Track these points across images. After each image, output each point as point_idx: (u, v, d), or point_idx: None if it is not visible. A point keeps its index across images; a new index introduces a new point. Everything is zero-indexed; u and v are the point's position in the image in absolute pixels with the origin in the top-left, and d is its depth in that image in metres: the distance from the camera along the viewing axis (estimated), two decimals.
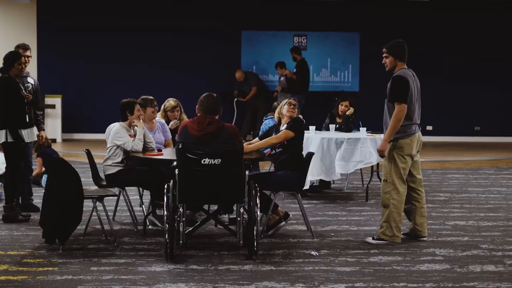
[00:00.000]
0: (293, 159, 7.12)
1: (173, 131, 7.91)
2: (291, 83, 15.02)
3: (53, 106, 15.18)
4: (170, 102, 8.28)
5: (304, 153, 7.39)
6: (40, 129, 8.19)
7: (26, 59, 8.00)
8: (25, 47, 8.25)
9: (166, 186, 6.16)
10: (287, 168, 7.07)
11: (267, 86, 16.00)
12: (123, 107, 7.23)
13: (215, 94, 6.44)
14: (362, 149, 9.02)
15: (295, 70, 15.12)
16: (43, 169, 9.54)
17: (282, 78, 15.26)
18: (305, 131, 9.47)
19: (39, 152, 9.65)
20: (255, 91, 15.44)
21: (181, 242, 6.35)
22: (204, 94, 6.43)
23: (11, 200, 7.57)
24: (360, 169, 9.75)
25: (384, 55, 6.74)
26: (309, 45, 16.26)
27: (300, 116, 7.61)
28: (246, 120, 15.50)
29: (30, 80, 8.21)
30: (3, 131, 7.46)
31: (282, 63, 15.17)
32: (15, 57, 7.55)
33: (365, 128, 9.34)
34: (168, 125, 8.09)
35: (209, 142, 6.12)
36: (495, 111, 16.47)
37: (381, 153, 6.64)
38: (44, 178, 9.08)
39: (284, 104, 7.45)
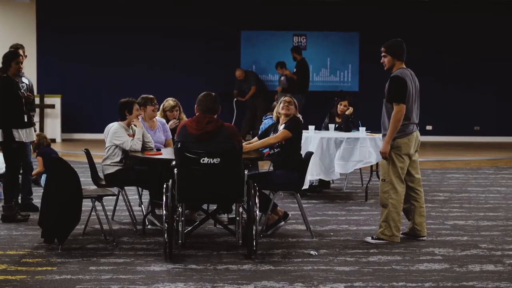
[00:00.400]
0: (291, 159, 7.10)
1: (173, 131, 7.91)
2: (291, 83, 15.02)
3: (52, 106, 15.18)
4: (169, 101, 8.29)
5: (303, 152, 7.38)
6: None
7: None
8: (16, 47, 8.22)
9: (165, 186, 6.16)
10: (286, 168, 7.06)
11: (267, 86, 16.01)
12: (122, 106, 7.23)
13: (213, 93, 6.43)
14: (362, 148, 9.02)
15: (295, 70, 15.12)
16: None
17: (282, 78, 15.26)
18: (305, 131, 9.50)
19: (38, 151, 9.65)
20: (254, 91, 15.44)
21: (180, 241, 6.35)
22: (202, 93, 6.42)
23: (10, 199, 7.56)
24: (360, 168, 9.74)
25: (382, 54, 6.73)
26: (308, 45, 16.26)
27: (300, 116, 7.59)
28: (246, 120, 15.50)
29: (24, 80, 8.20)
30: (1, 131, 7.45)
31: (282, 63, 15.17)
32: (13, 56, 7.54)
33: (364, 128, 9.34)
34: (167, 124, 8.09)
35: (208, 141, 6.12)
36: (494, 111, 16.48)
37: (383, 155, 6.63)
38: (43, 177, 9.09)
39: (280, 103, 7.45)
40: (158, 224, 7.06)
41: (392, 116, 6.52)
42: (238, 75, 15.54)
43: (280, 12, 16.10)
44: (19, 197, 8.06)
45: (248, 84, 15.54)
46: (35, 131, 8.19)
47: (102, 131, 7.39)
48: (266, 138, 7.26)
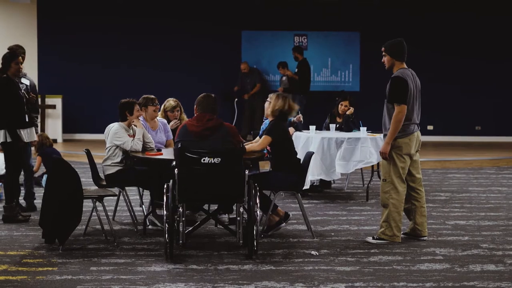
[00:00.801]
0: (285, 161, 7.04)
1: (174, 131, 7.90)
2: (292, 83, 15.00)
3: (53, 107, 15.18)
4: (170, 102, 8.29)
5: (304, 152, 7.35)
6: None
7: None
8: (12, 48, 8.16)
9: (165, 186, 6.16)
10: (284, 170, 7.03)
11: (269, 86, 15.95)
12: (123, 107, 7.23)
13: (213, 95, 6.47)
14: (363, 148, 9.01)
15: (296, 70, 15.10)
16: (42, 169, 9.55)
17: (284, 78, 15.23)
18: (306, 131, 9.51)
19: (40, 151, 9.66)
20: (259, 88, 15.35)
21: (180, 242, 6.34)
22: (202, 94, 6.47)
23: (11, 200, 7.56)
24: (361, 168, 9.74)
25: (383, 53, 6.73)
26: (309, 45, 16.25)
27: (298, 116, 7.51)
28: (245, 119, 15.41)
29: (24, 81, 8.16)
30: (2, 131, 7.45)
31: (284, 63, 15.15)
32: (12, 56, 7.54)
33: (365, 128, 9.34)
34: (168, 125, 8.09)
35: (208, 138, 6.13)
36: (495, 110, 16.46)
37: (383, 155, 6.62)
38: (45, 178, 9.09)
39: None
40: (159, 224, 7.05)
41: (393, 117, 6.51)
42: (243, 67, 15.45)
43: (281, 12, 16.09)
44: (23, 201, 8.07)
45: (252, 80, 15.45)
46: (37, 132, 8.19)
47: (103, 132, 7.39)
48: (251, 145, 7.18)
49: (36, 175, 9.37)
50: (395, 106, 6.52)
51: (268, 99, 7.30)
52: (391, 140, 6.55)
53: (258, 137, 7.72)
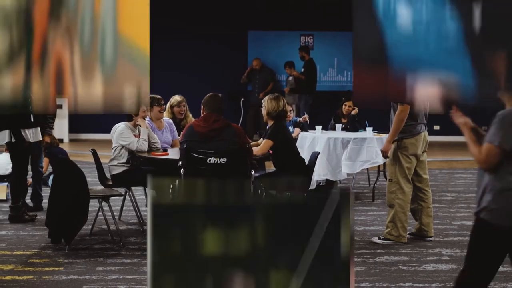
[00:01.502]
0: (290, 161, 7.02)
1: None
2: (299, 83, 14.97)
3: (60, 107, 15.18)
4: (176, 98, 8.27)
5: (310, 152, 7.34)
6: (45, 133, 8.03)
7: None
8: None
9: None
10: (287, 171, 7.02)
11: (280, 86, 15.91)
12: None
13: (220, 95, 6.47)
14: (369, 148, 9.00)
15: (302, 69, 15.07)
16: (50, 168, 9.57)
17: (290, 78, 15.21)
18: (312, 131, 9.51)
19: (47, 152, 9.67)
20: (272, 88, 15.26)
21: None
22: (209, 94, 6.46)
23: (17, 200, 7.58)
24: (367, 169, 9.72)
25: None
26: (316, 45, 16.24)
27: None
28: (249, 118, 15.35)
29: None
30: (7, 131, 7.46)
31: (291, 63, 15.11)
32: None
33: (371, 128, 9.33)
34: (175, 124, 8.07)
35: (214, 139, 6.13)
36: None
37: (384, 154, 6.61)
38: (51, 178, 9.10)
39: None
40: None
41: (395, 116, 6.51)
42: (255, 64, 15.35)
43: (287, 12, 16.07)
44: (29, 200, 8.09)
45: (262, 77, 15.36)
46: (50, 134, 8.17)
47: (109, 131, 7.40)
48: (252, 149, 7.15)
49: (43, 175, 9.39)
50: (398, 105, 6.51)
51: (262, 104, 7.26)
52: (392, 138, 6.54)
53: (261, 138, 7.70)
